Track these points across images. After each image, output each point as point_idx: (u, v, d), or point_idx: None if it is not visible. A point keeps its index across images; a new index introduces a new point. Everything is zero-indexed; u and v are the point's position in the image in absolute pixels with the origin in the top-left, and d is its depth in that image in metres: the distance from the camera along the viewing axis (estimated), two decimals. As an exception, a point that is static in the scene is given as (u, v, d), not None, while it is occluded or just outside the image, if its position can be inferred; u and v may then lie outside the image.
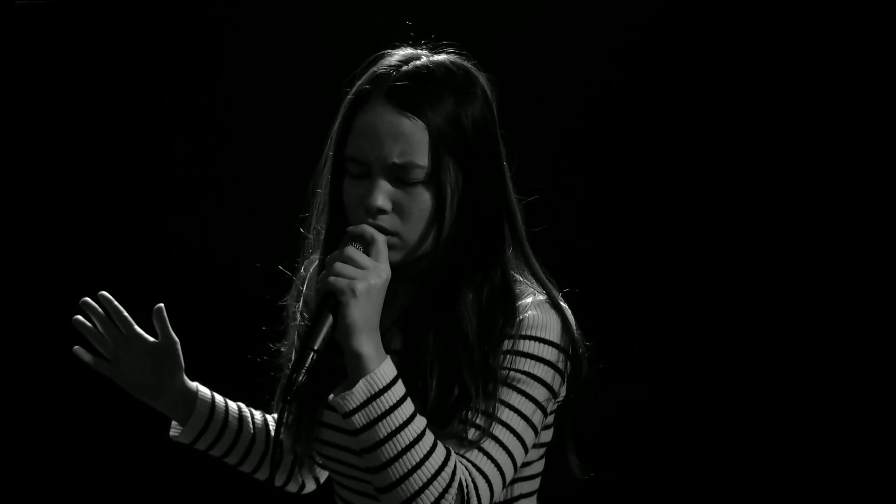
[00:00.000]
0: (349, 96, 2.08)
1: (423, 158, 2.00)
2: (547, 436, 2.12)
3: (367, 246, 1.97)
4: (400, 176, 2.01)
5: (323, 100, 3.80)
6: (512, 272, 2.08)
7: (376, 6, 3.65)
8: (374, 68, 2.08)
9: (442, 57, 2.09)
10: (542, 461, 2.15)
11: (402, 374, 1.95)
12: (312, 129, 3.72)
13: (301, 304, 2.23)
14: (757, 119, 3.59)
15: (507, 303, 2.03)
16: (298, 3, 3.72)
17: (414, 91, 2.02)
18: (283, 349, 2.26)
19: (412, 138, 2.00)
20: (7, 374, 3.79)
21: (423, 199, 2.01)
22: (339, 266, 1.93)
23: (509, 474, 1.99)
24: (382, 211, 2.01)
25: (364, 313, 1.91)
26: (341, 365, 1.97)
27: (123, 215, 3.79)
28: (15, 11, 3.70)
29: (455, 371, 1.99)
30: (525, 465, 2.09)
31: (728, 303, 3.62)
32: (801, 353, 3.60)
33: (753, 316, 3.62)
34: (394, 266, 2.01)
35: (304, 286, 2.24)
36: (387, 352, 1.96)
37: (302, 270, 2.26)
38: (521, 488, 2.12)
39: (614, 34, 3.61)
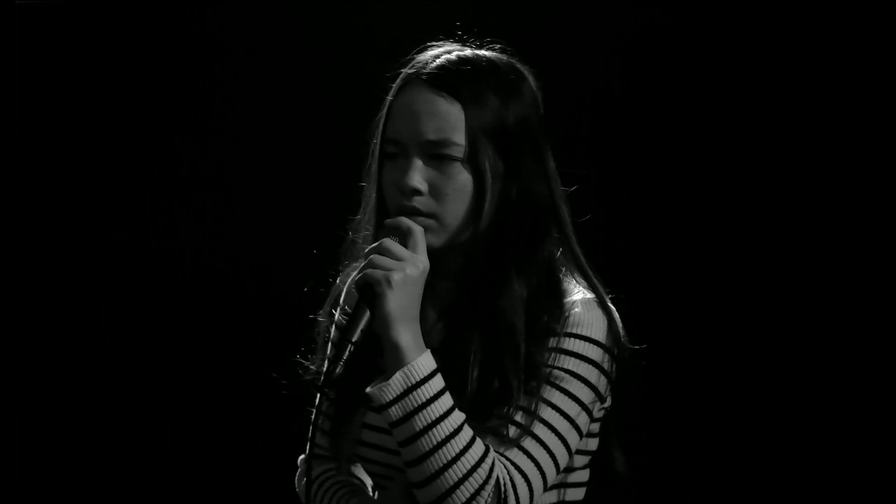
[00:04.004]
0: (392, 84, 2.07)
1: (459, 137, 1.98)
2: (592, 444, 2.08)
3: (404, 237, 1.95)
4: (435, 154, 1.99)
5: (324, 100, 3.81)
6: (560, 270, 2.05)
7: (376, 6, 3.65)
8: (418, 56, 2.08)
9: (488, 52, 2.09)
10: (588, 470, 2.11)
11: (444, 370, 1.93)
12: (313, 130, 3.75)
13: (338, 313, 2.21)
14: (759, 118, 3.59)
15: (554, 299, 2.00)
16: (299, 4, 3.72)
17: (453, 74, 2.01)
18: (312, 366, 2.22)
19: (448, 116, 1.99)
20: (7, 375, 3.79)
21: (460, 178, 1.99)
22: (375, 258, 1.92)
23: (551, 475, 1.96)
24: (417, 192, 1.99)
25: (400, 304, 1.89)
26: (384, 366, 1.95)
27: (123, 215, 3.79)
28: (15, 11, 3.70)
29: (497, 365, 1.96)
30: (570, 470, 2.06)
31: (728, 301, 3.62)
32: (804, 352, 3.59)
33: (754, 315, 3.62)
34: (434, 251, 1.99)
35: (343, 296, 2.21)
36: (429, 348, 1.95)
37: (338, 281, 2.24)
38: (568, 495, 2.08)
39: (614, 34, 3.61)
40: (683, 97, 3.61)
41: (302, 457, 2.31)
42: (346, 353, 1.92)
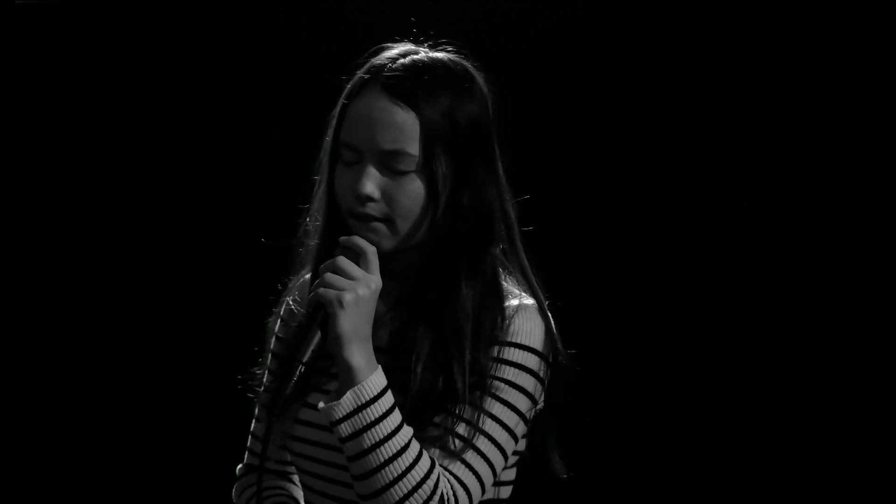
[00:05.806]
0: (347, 85, 2.09)
1: (413, 148, 2.01)
2: (521, 445, 2.12)
3: (357, 256, 1.98)
4: (390, 164, 2.01)
5: (324, 100, 3.81)
6: (503, 272, 2.09)
7: (374, 6, 3.65)
8: (373, 59, 2.09)
9: (441, 54, 2.10)
10: (514, 469, 2.15)
11: (387, 368, 1.97)
12: (313, 130, 3.75)
13: (288, 317, 2.24)
14: (758, 118, 3.59)
15: (496, 302, 2.04)
16: (299, 4, 3.72)
17: (409, 82, 2.03)
18: (258, 371, 2.26)
19: (404, 127, 2.01)
20: (7, 375, 3.80)
21: (413, 187, 2.02)
22: (328, 276, 1.95)
23: (489, 484, 2.02)
24: (370, 198, 2.01)
25: (353, 324, 1.93)
26: (323, 366, 2.00)
27: (123, 215, 3.79)
28: (15, 11, 3.71)
29: (443, 366, 2.00)
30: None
31: (724, 305, 3.62)
32: (798, 357, 3.59)
33: (754, 315, 3.62)
34: (384, 254, 2.03)
35: (293, 300, 2.25)
36: (377, 345, 1.98)
37: (290, 285, 2.27)
38: (501, 493, 2.13)
39: (614, 34, 3.61)
40: (683, 97, 3.61)
41: (240, 466, 2.33)
42: (298, 373, 1.96)
